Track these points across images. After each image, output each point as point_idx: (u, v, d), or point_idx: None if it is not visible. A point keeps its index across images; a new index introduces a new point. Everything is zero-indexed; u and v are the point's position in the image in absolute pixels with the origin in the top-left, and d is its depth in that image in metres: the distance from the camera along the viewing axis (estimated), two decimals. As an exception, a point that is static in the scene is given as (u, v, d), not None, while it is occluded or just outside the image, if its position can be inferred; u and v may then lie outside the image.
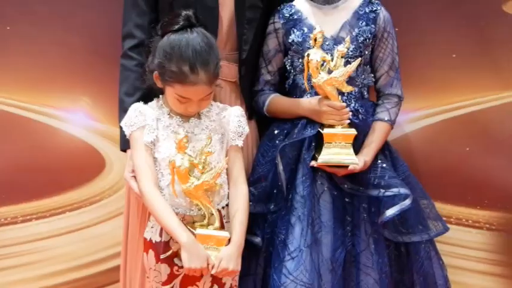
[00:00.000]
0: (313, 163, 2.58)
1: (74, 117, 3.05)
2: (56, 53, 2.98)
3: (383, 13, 2.70)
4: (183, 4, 2.52)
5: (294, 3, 2.74)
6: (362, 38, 2.66)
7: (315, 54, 2.54)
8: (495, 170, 3.06)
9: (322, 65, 2.54)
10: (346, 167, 2.56)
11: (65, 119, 3.06)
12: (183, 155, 2.34)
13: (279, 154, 2.59)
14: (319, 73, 2.54)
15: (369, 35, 2.67)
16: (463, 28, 2.98)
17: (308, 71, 2.56)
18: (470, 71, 3.01)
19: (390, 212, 2.56)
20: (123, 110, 2.56)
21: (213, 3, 2.60)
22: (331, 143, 2.58)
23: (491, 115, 3.03)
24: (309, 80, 2.58)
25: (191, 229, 2.38)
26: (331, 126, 2.59)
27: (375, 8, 2.69)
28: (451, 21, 2.98)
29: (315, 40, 2.54)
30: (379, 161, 2.64)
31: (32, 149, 3.05)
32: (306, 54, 2.56)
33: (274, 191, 2.62)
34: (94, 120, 3.06)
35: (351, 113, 2.59)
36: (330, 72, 2.55)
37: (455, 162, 3.05)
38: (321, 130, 2.59)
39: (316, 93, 2.61)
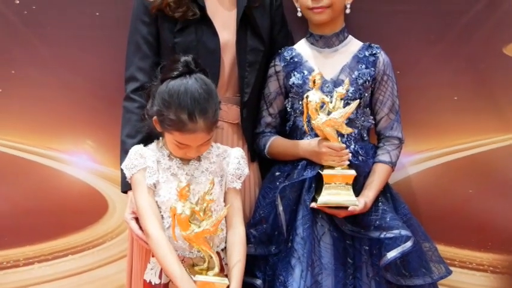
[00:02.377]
0: (313, 204, 2.57)
1: (78, 160, 3.05)
2: (60, 96, 2.99)
3: (382, 56, 2.73)
4: (185, 48, 2.58)
5: (294, 46, 2.79)
6: (361, 81, 2.68)
7: (313, 96, 2.55)
8: (498, 212, 3.05)
9: (322, 106, 2.55)
10: (346, 208, 2.55)
11: (69, 161, 3.05)
12: (184, 202, 2.33)
13: (279, 195, 2.59)
14: (318, 114, 2.55)
15: (369, 78, 2.69)
16: (464, 71, 2.99)
17: (307, 112, 2.57)
18: (472, 114, 3.01)
19: (392, 255, 2.55)
20: (124, 152, 2.57)
21: (214, 46, 2.63)
22: (330, 184, 2.58)
23: (493, 157, 3.03)
24: (309, 121, 2.59)
25: (191, 274, 2.37)
26: (331, 167, 2.59)
27: (374, 52, 2.73)
28: (452, 64, 2.99)
29: (314, 82, 2.56)
30: (380, 203, 2.64)
31: (35, 191, 3.05)
32: (305, 95, 2.57)
33: (275, 233, 2.62)
34: (97, 163, 3.06)
35: (350, 155, 2.59)
36: (329, 113, 2.56)
37: (458, 204, 3.05)
38: (320, 171, 2.59)
39: (316, 135, 2.63)
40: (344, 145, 2.59)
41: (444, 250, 2.98)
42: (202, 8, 2.63)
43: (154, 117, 2.44)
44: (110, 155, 3.02)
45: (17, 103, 3.00)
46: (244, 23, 2.69)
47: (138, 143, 2.56)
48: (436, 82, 2.99)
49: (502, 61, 2.98)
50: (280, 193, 2.59)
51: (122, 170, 2.54)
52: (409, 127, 2.84)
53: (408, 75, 2.92)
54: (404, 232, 2.56)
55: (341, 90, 2.56)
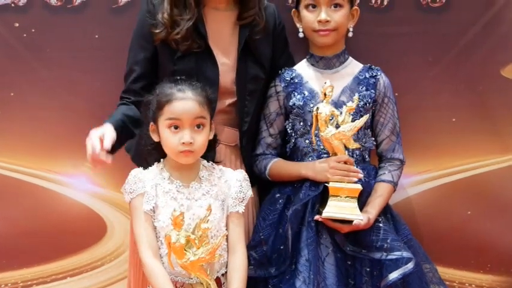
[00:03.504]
0: (317, 217, 2.57)
1: (76, 183, 3.05)
2: (59, 118, 3.00)
3: (383, 79, 2.74)
4: (184, 74, 2.55)
5: (294, 67, 2.79)
6: (362, 103, 2.68)
7: (324, 108, 2.55)
8: (497, 233, 3.05)
9: (331, 119, 2.55)
10: (350, 222, 2.55)
11: (68, 184, 3.05)
12: (178, 231, 2.31)
13: (289, 222, 2.57)
14: (328, 127, 2.55)
15: (369, 100, 2.70)
16: (462, 92, 3.00)
17: (316, 124, 2.56)
18: (470, 135, 3.02)
19: (393, 276, 2.54)
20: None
21: (213, 76, 2.63)
22: (336, 196, 2.57)
23: (491, 179, 3.04)
24: (316, 133, 2.59)
25: None
26: (337, 181, 2.59)
27: (375, 74, 2.74)
28: (450, 85, 3.00)
29: (325, 94, 2.56)
30: (382, 224, 2.63)
31: (33, 213, 3.04)
32: (315, 108, 2.57)
33: (275, 255, 2.61)
34: (96, 185, 3.05)
35: (361, 175, 2.59)
36: (337, 127, 2.55)
37: (457, 225, 3.05)
38: (326, 184, 2.58)
39: (318, 157, 2.64)
40: (352, 159, 2.59)
41: (443, 271, 2.96)
42: (204, 37, 2.63)
43: (151, 124, 2.48)
44: (109, 178, 3.02)
45: (16, 125, 3.01)
46: (245, 52, 2.69)
47: (114, 114, 2.60)
48: (434, 103, 3.01)
49: (500, 83, 3.00)
50: (290, 219, 2.57)
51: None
52: (408, 148, 2.83)
53: (406, 97, 2.93)
54: (406, 254, 2.55)
55: (351, 104, 2.56)
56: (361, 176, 2.59)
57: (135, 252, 2.66)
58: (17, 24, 2.94)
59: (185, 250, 2.29)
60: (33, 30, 2.95)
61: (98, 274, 3.09)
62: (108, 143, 2.41)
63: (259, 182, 2.78)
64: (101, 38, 2.95)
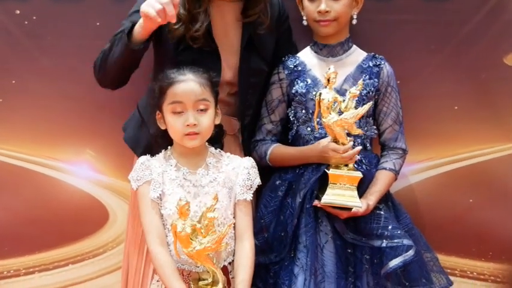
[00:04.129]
0: (316, 202, 2.58)
1: (78, 170, 3.06)
2: (60, 106, 3.00)
3: (386, 68, 2.74)
4: (186, 65, 2.50)
5: (298, 54, 2.79)
6: (365, 91, 2.67)
7: (327, 94, 2.54)
8: (499, 221, 3.05)
9: (334, 106, 2.54)
10: (349, 209, 2.55)
11: (69, 171, 3.06)
12: (184, 220, 2.31)
13: (291, 207, 2.59)
14: (330, 113, 2.54)
15: (372, 89, 2.69)
16: (464, 81, 3.00)
17: (319, 110, 2.55)
18: (473, 123, 3.02)
19: (393, 263, 2.54)
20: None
21: (215, 67, 2.60)
22: (336, 183, 2.57)
23: (493, 167, 3.04)
24: (319, 119, 2.58)
25: None
26: (338, 167, 2.59)
27: (378, 63, 2.73)
28: (453, 73, 3.00)
29: (328, 80, 2.54)
30: (382, 212, 2.63)
31: (35, 201, 3.05)
32: (318, 93, 2.56)
33: (276, 242, 2.62)
34: (98, 172, 3.06)
35: (359, 152, 2.57)
36: (340, 113, 2.54)
37: (459, 213, 3.06)
38: (327, 170, 2.59)
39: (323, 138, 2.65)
40: (349, 145, 2.56)
41: (445, 259, 2.98)
42: (209, 31, 2.60)
43: (157, 113, 2.48)
44: (111, 165, 3.04)
45: (17, 113, 3.01)
46: (249, 46, 2.67)
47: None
48: (436, 92, 3.00)
49: (502, 71, 2.99)
50: (291, 205, 2.59)
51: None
52: (410, 136, 2.83)
53: (409, 85, 2.92)
54: (406, 241, 2.56)
55: (354, 90, 2.55)
56: (358, 151, 2.58)
57: (132, 240, 2.69)
58: (18, 12, 2.94)
59: (191, 239, 2.29)
60: (34, 18, 2.95)
61: (100, 261, 3.09)
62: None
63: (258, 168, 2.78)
64: (103, 26, 2.93)
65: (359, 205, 2.55)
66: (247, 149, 2.76)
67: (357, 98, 2.57)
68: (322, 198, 2.57)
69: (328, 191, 2.57)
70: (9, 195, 3.06)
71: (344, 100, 2.55)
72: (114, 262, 3.09)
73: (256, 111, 2.76)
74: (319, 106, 2.54)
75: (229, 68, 2.67)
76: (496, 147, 3.04)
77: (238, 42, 2.68)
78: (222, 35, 2.66)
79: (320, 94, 2.54)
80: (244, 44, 2.66)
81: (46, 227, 3.05)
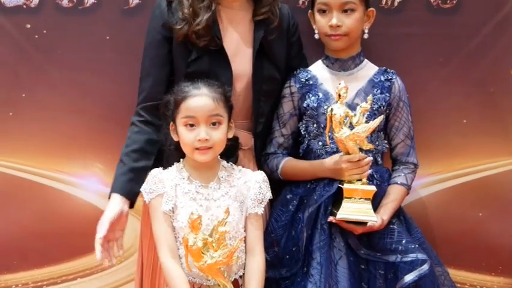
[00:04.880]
0: (331, 218, 2.55)
1: (87, 183, 3.04)
2: (70, 119, 3.00)
3: (398, 82, 2.72)
4: (197, 76, 2.54)
5: (309, 68, 2.77)
6: (376, 106, 2.66)
7: (338, 109, 2.53)
8: (509, 235, 3.03)
9: (345, 120, 2.54)
10: (364, 224, 2.53)
11: (78, 185, 3.05)
12: (196, 234, 2.29)
13: (306, 225, 2.57)
14: (342, 128, 2.53)
15: (383, 103, 2.68)
16: (473, 94, 2.99)
17: (330, 125, 2.54)
18: (481, 137, 3.01)
19: (409, 278, 2.52)
20: (119, 159, 2.63)
21: (226, 78, 2.61)
22: (350, 198, 2.55)
23: (502, 180, 3.02)
24: (331, 134, 2.58)
25: None
26: (351, 183, 2.57)
27: (390, 77, 2.72)
28: (461, 87, 2.99)
29: (339, 95, 2.53)
30: (396, 226, 2.61)
31: (44, 214, 3.04)
32: (329, 108, 2.55)
33: (287, 257, 2.59)
34: (107, 186, 2.92)
35: (370, 161, 2.56)
36: (351, 128, 2.54)
37: (469, 227, 3.03)
38: (341, 185, 2.56)
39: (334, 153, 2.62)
40: (364, 155, 2.56)
41: (455, 274, 2.97)
42: (219, 39, 2.61)
43: (171, 124, 2.48)
44: None
45: (27, 126, 3.01)
46: (261, 53, 2.67)
47: (131, 151, 2.60)
48: (445, 105, 2.99)
49: (510, 84, 2.98)
50: (306, 222, 2.57)
51: (115, 174, 2.60)
52: (419, 149, 2.81)
53: (417, 98, 2.90)
54: (421, 256, 2.53)
55: (365, 105, 2.53)
56: (370, 164, 2.57)
57: (145, 253, 2.70)
58: (28, 26, 2.95)
59: (202, 253, 2.27)
60: (44, 32, 2.95)
61: (108, 275, 3.08)
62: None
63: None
64: (112, 39, 2.95)
65: (375, 219, 2.53)
66: (260, 159, 2.75)
67: (368, 113, 2.56)
68: (338, 213, 2.54)
69: (343, 205, 2.55)
70: (18, 209, 3.04)
71: (355, 115, 2.53)
72: (122, 276, 3.08)
73: (268, 119, 2.74)
74: (331, 121, 2.53)
75: (240, 78, 2.66)
76: (504, 160, 3.02)
77: (250, 50, 2.67)
78: (234, 43, 2.66)
79: (332, 109, 2.53)
80: (256, 49, 2.65)
81: (55, 241, 3.03)
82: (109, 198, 2.61)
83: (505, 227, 3.03)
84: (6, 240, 3.05)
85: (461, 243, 3.03)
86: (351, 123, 2.53)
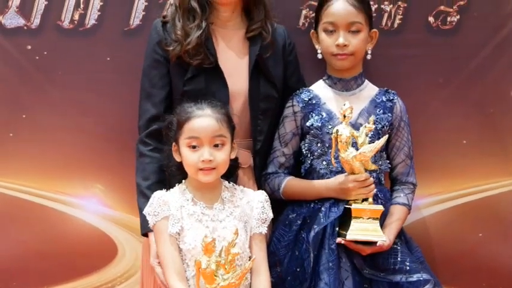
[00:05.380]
0: (339, 240, 2.55)
1: (87, 204, 3.05)
2: (70, 140, 3.00)
3: (399, 103, 2.76)
4: (194, 96, 2.57)
5: (311, 88, 2.79)
6: (380, 126, 2.69)
7: (344, 130, 2.55)
8: (509, 255, 3.04)
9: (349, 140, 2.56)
10: (372, 244, 2.54)
11: (78, 205, 3.05)
12: (209, 257, 2.28)
13: (312, 245, 2.57)
14: (348, 148, 2.55)
15: (386, 123, 2.71)
16: (472, 115, 3.02)
17: (336, 146, 2.56)
18: (481, 157, 3.03)
19: None
20: (140, 194, 2.62)
21: (223, 96, 2.64)
22: (359, 218, 2.57)
23: (503, 201, 3.04)
24: (335, 157, 2.60)
25: None
26: (358, 203, 2.59)
27: (391, 98, 2.76)
28: (461, 108, 3.01)
29: (344, 116, 2.56)
30: (399, 246, 2.63)
31: (44, 235, 3.03)
32: (334, 130, 2.57)
33: (290, 277, 2.61)
34: (107, 207, 3.05)
35: (373, 185, 2.59)
36: (356, 149, 2.56)
37: (469, 248, 3.04)
38: (349, 206, 2.58)
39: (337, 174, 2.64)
40: (369, 175, 2.58)
41: None
42: (214, 57, 2.65)
43: (173, 144, 2.49)
44: (120, 199, 3.03)
45: (27, 147, 3.01)
46: (257, 71, 2.70)
47: (152, 184, 2.60)
48: (445, 125, 3.02)
49: (510, 105, 3.00)
50: (312, 240, 2.57)
51: (140, 212, 2.56)
52: (419, 170, 2.83)
53: (417, 119, 2.92)
54: (425, 276, 2.56)
55: (369, 125, 2.56)
56: (375, 189, 2.59)
57: (147, 275, 2.70)
58: (29, 47, 2.97)
59: (215, 275, 2.27)
60: (45, 53, 2.98)
61: None
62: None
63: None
64: (113, 60, 2.97)
65: (384, 238, 2.54)
66: (259, 176, 2.77)
67: (371, 133, 2.59)
68: (348, 234, 2.55)
69: (352, 226, 2.56)
70: (19, 229, 3.04)
71: (360, 135, 2.56)
72: None
73: (267, 137, 2.75)
74: (336, 142, 2.56)
75: (237, 96, 2.69)
76: (505, 181, 3.04)
77: (245, 68, 2.70)
78: (229, 62, 2.70)
79: (337, 130, 2.55)
80: (252, 66, 2.68)
81: (55, 261, 3.03)
82: (145, 235, 2.64)
83: (506, 247, 3.04)
84: (7, 261, 3.05)
85: (462, 263, 3.04)
86: (355, 143, 2.56)
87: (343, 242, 2.54)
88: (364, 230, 2.55)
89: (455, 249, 3.04)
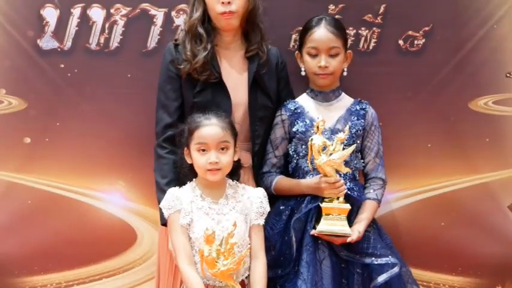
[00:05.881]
0: (312, 232, 2.69)
1: (111, 198, 3.20)
2: (97, 144, 3.14)
3: (371, 111, 2.90)
4: (202, 107, 2.73)
5: (297, 99, 2.93)
6: (354, 130, 2.83)
7: (317, 139, 2.67)
8: (467, 241, 3.20)
9: (324, 149, 2.68)
10: (341, 236, 2.68)
11: (104, 199, 3.20)
12: (210, 246, 2.40)
13: (293, 230, 2.72)
14: (320, 155, 2.67)
15: (360, 128, 2.85)
16: (436, 123, 3.15)
17: (311, 153, 2.68)
18: (443, 158, 3.17)
19: (382, 278, 2.71)
20: (160, 190, 2.74)
21: (226, 107, 2.78)
22: (328, 215, 2.70)
23: (462, 195, 3.18)
24: (312, 161, 2.72)
25: None
26: (330, 200, 2.72)
27: (364, 107, 2.90)
28: (426, 116, 3.15)
29: (318, 127, 2.68)
30: (371, 234, 2.78)
31: (75, 224, 3.19)
32: (310, 139, 2.69)
33: (281, 258, 2.76)
34: (128, 200, 3.19)
35: (346, 187, 2.74)
36: (330, 155, 2.68)
37: (433, 235, 3.18)
38: (320, 204, 2.71)
39: (317, 174, 2.77)
40: (339, 178, 2.70)
41: (421, 274, 3.16)
42: (218, 73, 2.78)
43: (185, 149, 2.61)
44: (139, 194, 3.19)
45: (61, 150, 3.16)
46: (255, 85, 2.83)
47: (169, 182, 2.72)
48: (412, 132, 3.16)
49: (467, 114, 3.15)
50: (292, 226, 2.72)
51: (159, 207, 2.66)
52: (391, 169, 2.96)
53: (389, 126, 3.05)
54: (393, 259, 2.71)
55: (341, 135, 2.69)
56: (344, 187, 2.72)
57: (163, 258, 2.85)
58: (62, 65, 3.12)
59: (216, 262, 2.40)
60: (76, 71, 3.13)
61: (129, 275, 3.24)
62: None
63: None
64: (133, 77, 3.12)
65: (349, 232, 2.66)
66: (258, 175, 2.87)
67: (348, 136, 2.74)
68: (317, 227, 2.69)
69: (322, 221, 2.69)
70: (53, 219, 3.19)
71: (332, 144, 2.68)
72: (141, 276, 3.25)
73: (264, 141, 2.87)
74: (311, 150, 2.69)
75: (239, 106, 2.82)
76: (463, 178, 3.20)
77: (245, 83, 2.84)
78: (232, 78, 2.84)
79: (312, 139, 2.68)
80: (251, 82, 2.81)
81: (84, 247, 3.18)
82: (164, 225, 2.74)
83: (464, 234, 3.20)
84: (43, 246, 3.21)
85: (427, 248, 3.19)
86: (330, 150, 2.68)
87: (315, 234, 2.70)
88: (332, 225, 2.69)
89: (422, 236, 3.18)
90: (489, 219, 3.21)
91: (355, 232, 2.70)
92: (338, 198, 2.74)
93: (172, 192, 2.62)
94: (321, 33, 2.84)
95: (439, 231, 3.21)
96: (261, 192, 2.69)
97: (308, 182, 2.80)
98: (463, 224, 3.22)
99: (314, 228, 2.72)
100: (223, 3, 2.75)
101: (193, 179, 2.67)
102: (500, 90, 3.16)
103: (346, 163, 2.77)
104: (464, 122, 3.18)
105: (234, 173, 2.70)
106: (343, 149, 2.72)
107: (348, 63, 2.92)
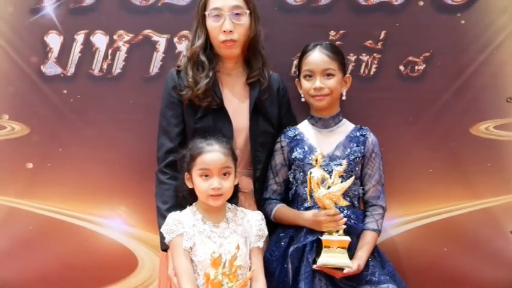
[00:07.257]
0: (314, 266, 2.66)
1: (113, 224, 3.18)
2: (99, 169, 3.12)
3: (371, 137, 2.84)
4: (203, 132, 2.71)
5: (297, 126, 2.89)
6: (353, 157, 2.78)
7: (316, 172, 2.64)
8: (469, 267, 3.17)
9: (323, 182, 2.66)
10: (342, 269, 2.65)
11: (105, 224, 3.17)
12: (216, 269, 2.38)
13: (289, 258, 2.71)
14: (319, 188, 2.64)
15: (359, 155, 2.80)
16: (437, 148, 3.12)
17: (310, 186, 2.65)
18: (445, 184, 3.14)
19: None
20: (160, 216, 2.71)
21: (228, 132, 2.76)
22: (329, 247, 2.66)
23: (463, 220, 3.14)
24: (311, 193, 2.70)
25: None
26: (330, 233, 2.68)
27: (364, 133, 2.85)
28: (427, 142, 3.13)
29: (316, 161, 2.65)
30: (370, 261, 2.73)
31: (76, 250, 3.16)
32: (309, 172, 2.65)
33: (280, 285, 2.73)
34: (129, 225, 3.17)
35: (345, 219, 2.70)
36: (328, 188, 2.66)
37: (435, 261, 3.14)
38: (320, 237, 2.67)
39: (315, 203, 2.73)
40: (338, 211, 2.67)
41: None
42: (220, 99, 2.77)
43: (186, 174, 2.59)
44: (140, 219, 3.16)
45: (63, 175, 3.14)
46: (256, 111, 2.81)
47: (170, 207, 2.69)
48: (414, 157, 3.12)
49: (469, 139, 3.13)
50: (290, 255, 2.71)
51: (160, 232, 2.64)
52: (392, 195, 2.93)
53: (390, 151, 3.02)
54: (392, 286, 2.65)
55: (339, 168, 2.66)
56: (344, 220, 2.70)
57: (164, 284, 2.82)
58: (65, 91, 3.13)
59: (221, 285, 2.39)
60: (78, 96, 3.13)
61: None
62: None
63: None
64: (135, 103, 3.12)
65: (349, 265, 2.62)
66: (259, 200, 2.85)
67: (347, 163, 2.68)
68: (318, 261, 2.64)
69: (323, 254, 2.66)
70: (55, 245, 3.17)
71: (331, 177, 2.66)
72: None
73: (265, 166, 2.85)
74: (310, 183, 2.66)
75: (240, 132, 2.80)
76: (465, 203, 3.17)
77: (247, 109, 2.82)
78: (233, 104, 2.83)
79: (311, 173, 2.65)
80: (252, 107, 2.79)
81: (85, 272, 3.15)
82: (164, 251, 2.73)
83: (466, 260, 3.16)
84: (44, 272, 3.19)
85: (429, 274, 3.15)
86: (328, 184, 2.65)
87: (317, 267, 2.66)
88: (333, 257, 2.65)
89: (423, 262, 3.15)
90: (492, 245, 3.17)
91: (355, 264, 2.67)
92: (337, 231, 2.70)
93: (174, 216, 2.60)
94: (315, 56, 2.84)
95: (441, 257, 3.17)
96: (259, 215, 2.67)
97: (306, 216, 2.76)
98: (465, 249, 3.17)
99: (314, 261, 2.68)
100: (225, 32, 2.75)
101: (193, 203, 2.65)
102: (501, 115, 3.14)
103: (345, 192, 2.74)
104: (466, 147, 3.15)
105: (233, 197, 2.68)
106: (342, 181, 2.68)
107: (347, 87, 2.89)
